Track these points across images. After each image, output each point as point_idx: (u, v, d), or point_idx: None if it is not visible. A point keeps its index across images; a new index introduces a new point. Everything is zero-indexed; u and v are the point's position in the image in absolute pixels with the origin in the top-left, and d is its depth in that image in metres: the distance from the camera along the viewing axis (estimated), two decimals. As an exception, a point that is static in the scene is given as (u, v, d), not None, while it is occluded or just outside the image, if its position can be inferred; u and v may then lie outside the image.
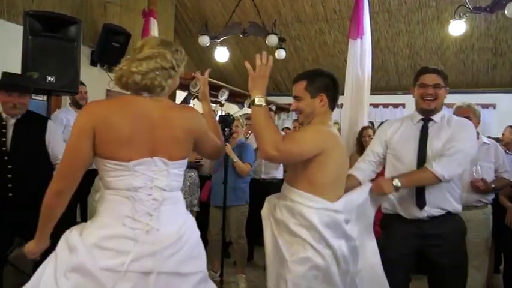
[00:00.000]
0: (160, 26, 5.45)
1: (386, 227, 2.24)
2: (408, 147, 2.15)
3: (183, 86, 5.80)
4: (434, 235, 2.07)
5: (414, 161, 2.11)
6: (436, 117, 2.16)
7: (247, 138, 4.74)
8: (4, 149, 2.40)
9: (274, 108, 6.61)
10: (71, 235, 1.38)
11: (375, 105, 7.11)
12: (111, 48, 5.39)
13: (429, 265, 2.14)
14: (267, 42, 5.25)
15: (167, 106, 1.51)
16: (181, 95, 5.94)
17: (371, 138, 3.45)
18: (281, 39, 5.33)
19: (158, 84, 1.45)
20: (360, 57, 4.25)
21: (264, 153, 1.70)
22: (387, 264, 1.92)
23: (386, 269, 1.92)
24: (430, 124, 2.16)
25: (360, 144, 3.62)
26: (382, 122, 2.68)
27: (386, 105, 7.41)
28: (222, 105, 7.63)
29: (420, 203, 2.07)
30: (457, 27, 4.76)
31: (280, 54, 5.53)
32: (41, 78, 3.08)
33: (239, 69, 8.22)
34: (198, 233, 1.54)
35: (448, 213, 2.08)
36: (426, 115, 2.18)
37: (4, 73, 2.56)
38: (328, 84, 1.89)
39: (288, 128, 5.79)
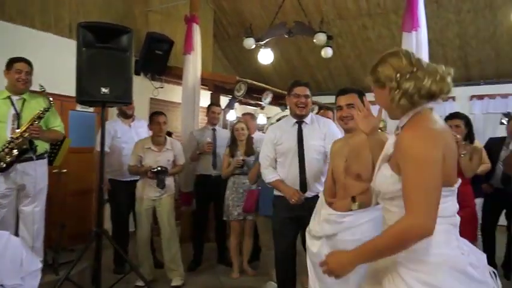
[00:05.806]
0: (199, 30, 5.37)
1: None
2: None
3: (227, 91, 5.73)
4: None
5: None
6: (307, 119, 2.92)
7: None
8: None
9: (316, 108, 6.40)
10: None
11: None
12: (154, 56, 5.38)
13: None
14: (315, 41, 5.03)
15: None
16: (224, 100, 5.88)
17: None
18: (329, 37, 5.12)
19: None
20: (416, 50, 4.03)
21: None
22: None
23: None
24: (303, 125, 2.90)
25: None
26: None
27: (435, 100, 7.02)
28: (262, 108, 7.50)
29: None
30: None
31: (327, 52, 5.31)
32: (95, 90, 3.05)
33: (278, 71, 8.07)
34: None
35: None
36: (299, 119, 2.90)
37: None
38: None
39: None
